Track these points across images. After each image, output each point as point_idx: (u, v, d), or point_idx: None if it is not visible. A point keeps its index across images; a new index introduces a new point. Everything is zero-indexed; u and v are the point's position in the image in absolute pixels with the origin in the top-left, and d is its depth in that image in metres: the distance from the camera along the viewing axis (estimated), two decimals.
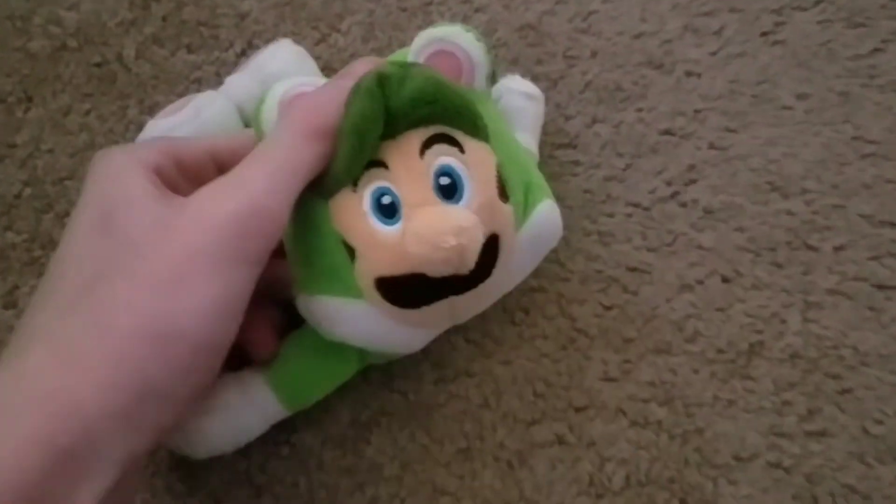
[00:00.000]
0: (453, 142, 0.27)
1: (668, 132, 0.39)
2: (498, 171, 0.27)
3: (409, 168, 0.26)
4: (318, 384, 0.30)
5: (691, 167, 0.38)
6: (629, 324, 0.36)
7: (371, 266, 0.26)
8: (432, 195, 0.26)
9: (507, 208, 0.27)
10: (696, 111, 0.39)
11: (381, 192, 0.26)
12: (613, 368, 0.35)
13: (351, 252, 0.26)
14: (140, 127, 0.38)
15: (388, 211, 0.26)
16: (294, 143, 0.25)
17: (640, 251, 0.37)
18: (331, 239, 0.26)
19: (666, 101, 0.39)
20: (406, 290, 0.26)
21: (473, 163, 0.26)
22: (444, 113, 0.26)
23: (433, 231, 0.24)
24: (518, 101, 0.35)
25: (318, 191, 0.26)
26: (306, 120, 0.25)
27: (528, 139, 0.35)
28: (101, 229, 0.23)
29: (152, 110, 0.38)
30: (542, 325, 0.36)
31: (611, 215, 0.38)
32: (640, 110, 0.39)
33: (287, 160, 0.24)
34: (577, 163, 0.39)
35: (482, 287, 0.27)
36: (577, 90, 0.40)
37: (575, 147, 0.39)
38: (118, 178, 0.24)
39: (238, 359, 0.29)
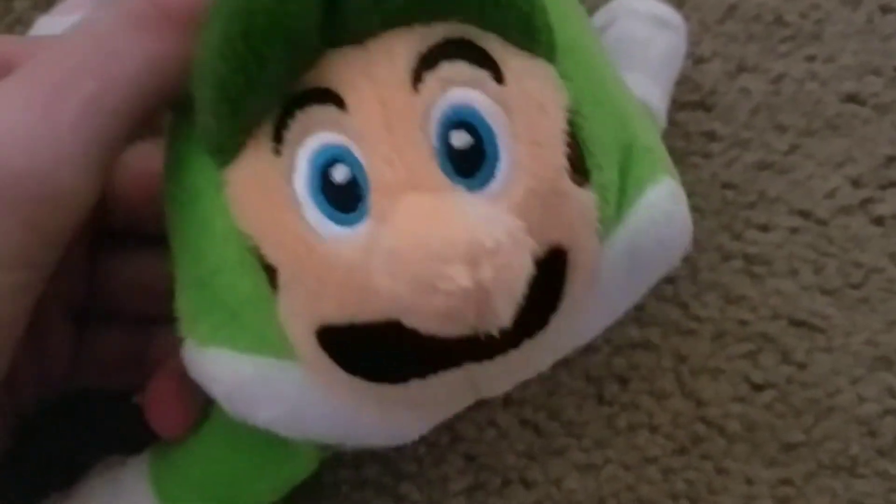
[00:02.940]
0: (481, 58, 0.18)
1: (854, 99, 0.32)
2: (571, 124, 0.19)
3: (389, 109, 0.18)
4: (237, 493, 0.24)
5: (891, 160, 0.31)
6: (792, 417, 0.29)
7: (308, 304, 0.18)
8: (432, 169, 0.17)
9: (586, 197, 0.19)
10: None
11: (332, 158, 0.18)
12: (763, 494, 0.28)
13: (270, 274, 0.18)
14: (29, 25, 0.32)
15: (345, 197, 0.18)
16: (115, 34, 0.19)
17: (810, 293, 0.30)
18: (229, 246, 0.19)
19: (851, 48, 0.32)
20: (375, 351, 0.18)
21: (520, 105, 0.18)
22: None
23: (424, 253, 0.16)
24: (641, 30, 0.28)
25: (202, 142, 0.19)
26: None
27: (649, 88, 0.28)
28: None
29: (48, 4, 0.33)
30: (649, 407, 0.29)
31: (764, 228, 0.31)
32: (811, 59, 0.32)
33: (93, 67, 0.19)
34: (711, 135, 0.31)
35: (532, 343, 0.18)
36: (715, 17, 0.33)
37: (709, 109, 0.32)
38: None
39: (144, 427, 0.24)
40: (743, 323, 0.30)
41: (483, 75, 0.18)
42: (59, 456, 0.26)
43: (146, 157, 0.23)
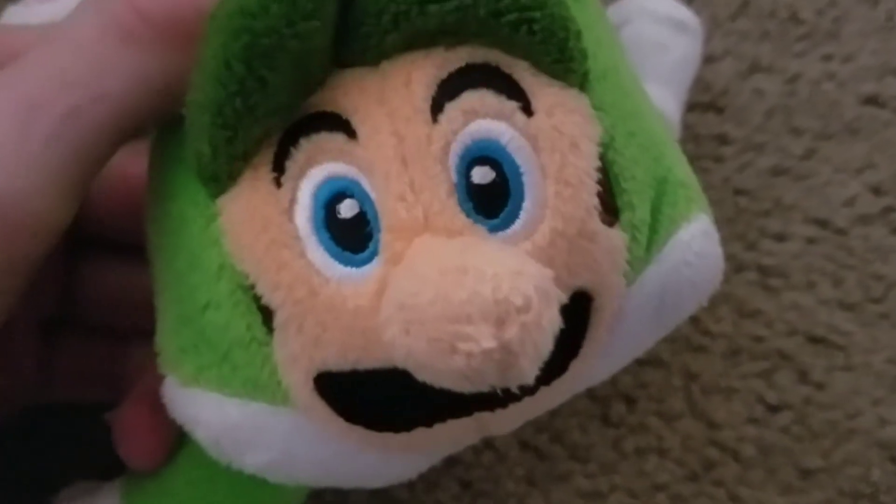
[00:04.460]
0: (508, 87, 0.18)
1: (873, 100, 0.32)
2: (603, 160, 0.18)
3: (405, 140, 0.17)
4: None
5: None
6: (809, 441, 0.29)
7: (307, 349, 0.17)
8: (451, 208, 0.17)
9: (616, 238, 0.18)
10: None
11: (339, 191, 0.17)
12: None
13: (266, 314, 0.18)
14: None
15: (352, 235, 0.17)
16: (99, 45, 0.18)
17: (829, 308, 0.30)
18: (220, 282, 0.18)
19: (870, 47, 0.32)
20: (378, 398, 0.18)
21: (550, 140, 0.18)
22: (490, 13, 0.17)
23: (444, 310, 0.15)
24: (657, 33, 0.28)
25: (193, 168, 0.18)
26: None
27: (663, 97, 0.28)
28: None
29: None
30: (658, 429, 0.29)
31: (780, 238, 0.30)
32: (828, 58, 0.32)
33: (74, 80, 0.18)
34: (722, 138, 0.31)
35: (548, 389, 0.18)
36: (727, 13, 0.32)
37: (721, 111, 0.31)
38: None
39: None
40: (757, 339, 0.29)
41: (510, 106, 0.18)
42: (27, 477, 0.26)
43: (127, 161, 0.23)
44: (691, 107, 0.31)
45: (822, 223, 0.30)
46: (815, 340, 0.29)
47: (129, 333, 0.24)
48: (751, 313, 0.29)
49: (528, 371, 0.16)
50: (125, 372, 0.24)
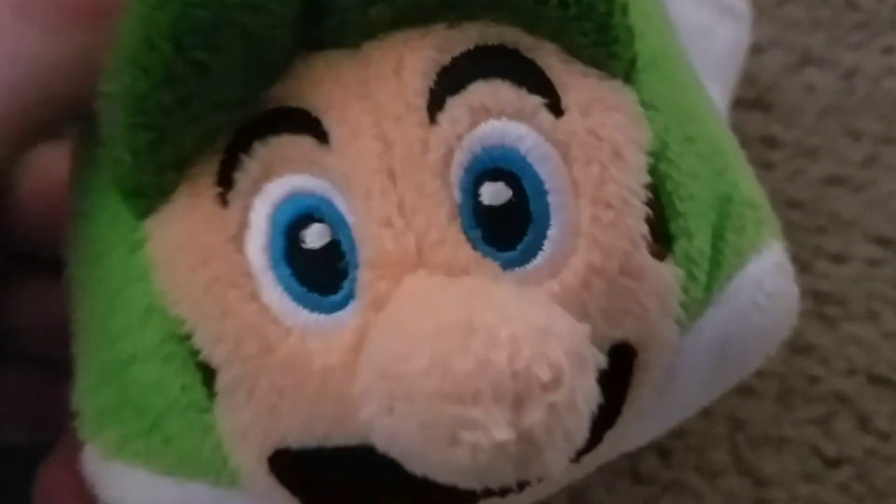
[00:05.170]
0: (531, 76, 0.16)
1: None
2: (653, 173, 0.16)
3: (393, 146, 0.15)
4: None
5: None
6: (872, 500, 0.26)
7: (261, 420, 0.16)
8: (453, 236, 0.15)
9: (667, 275, 0.16)
10: None
11: (304, 213, 0.15)
12: None
13: (207, 374, 0.16)
14: None
15: (321, 270, 0.16)
16: None
17: (893, 342, 0.28)
18: (148, 330, 0.16)
19: None
20: (350, 483, 0.16)
21: (585, 148, 0.16)
22: None
23: (442, 383, 0.13)
24: (701, 17, 0.27)
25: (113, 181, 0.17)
26: None
27: (709, 91, 0.25)
28: None
29: None
30: (698, 487, 0.26)
31: (839, 260, 0.29)
32: (889, 51, 0.31)
33: None
34: (770, 141, 0.30)
35: (576, 465, 0.17)
36: None
37: (767, 109, 0.30)
38: None
39: None
40: (812, 379, 0.27)
41: (533, 103, 0.16)
42: None
43: (55, 164, 0.21)
44: (735, 103, 0.29)
45: (885, 242, 0.28)
46: (877, 381, 0.27)
47: (68, 365, 0.22)
48: (804, 348, 0.27)
49: (555, 465, 0.14)
50: (66, 409, 0.22)
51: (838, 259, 0.28)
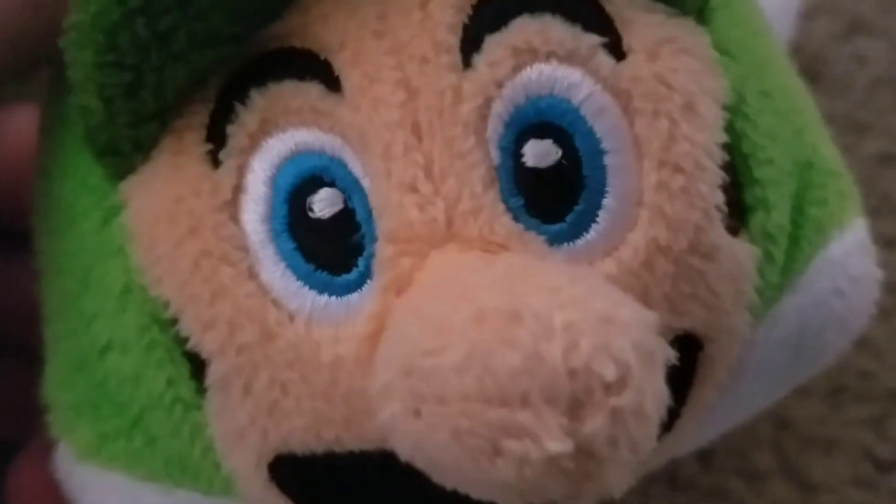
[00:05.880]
0: (586, 12, 0.15)
1: None
2: (729, 131, 0.15)
3: (418, 96, 0.14)
4: None
5: None
6: None
7: (259, 421, 0.15)
8: (490, 205, 0.14)
9: (742, 254, 0.15)
10: None
11: (311, 175, 0.14)
12: None
13: (197, 365, 0.15)
14: None
15: (331, 244, 0.14)
16: None
17: None
18: (126, 313, 0.15)
19: None
20: (365, 495, 0.15)
21: (651, 99, 0.14)
22: None
23: (481, 385, 0.12)
24: None
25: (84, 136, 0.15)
26: None
27: None
28: None
29: None
30: (740, 493, 0.24)
31: (891, 244, 0.26)
32: None
33: None
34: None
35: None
36: None
37: (813, 80, 0.27)
38: None
39: None
40: (865, 376, 0.26)
41: (589, 43, 0.14)
42: None
43: (24, 126, 0.20)
44: None
45: None
46: None
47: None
48: (856, 342, 0.23)
49: (618, 483, 0.13)
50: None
51: (892, 244, 0.26)
